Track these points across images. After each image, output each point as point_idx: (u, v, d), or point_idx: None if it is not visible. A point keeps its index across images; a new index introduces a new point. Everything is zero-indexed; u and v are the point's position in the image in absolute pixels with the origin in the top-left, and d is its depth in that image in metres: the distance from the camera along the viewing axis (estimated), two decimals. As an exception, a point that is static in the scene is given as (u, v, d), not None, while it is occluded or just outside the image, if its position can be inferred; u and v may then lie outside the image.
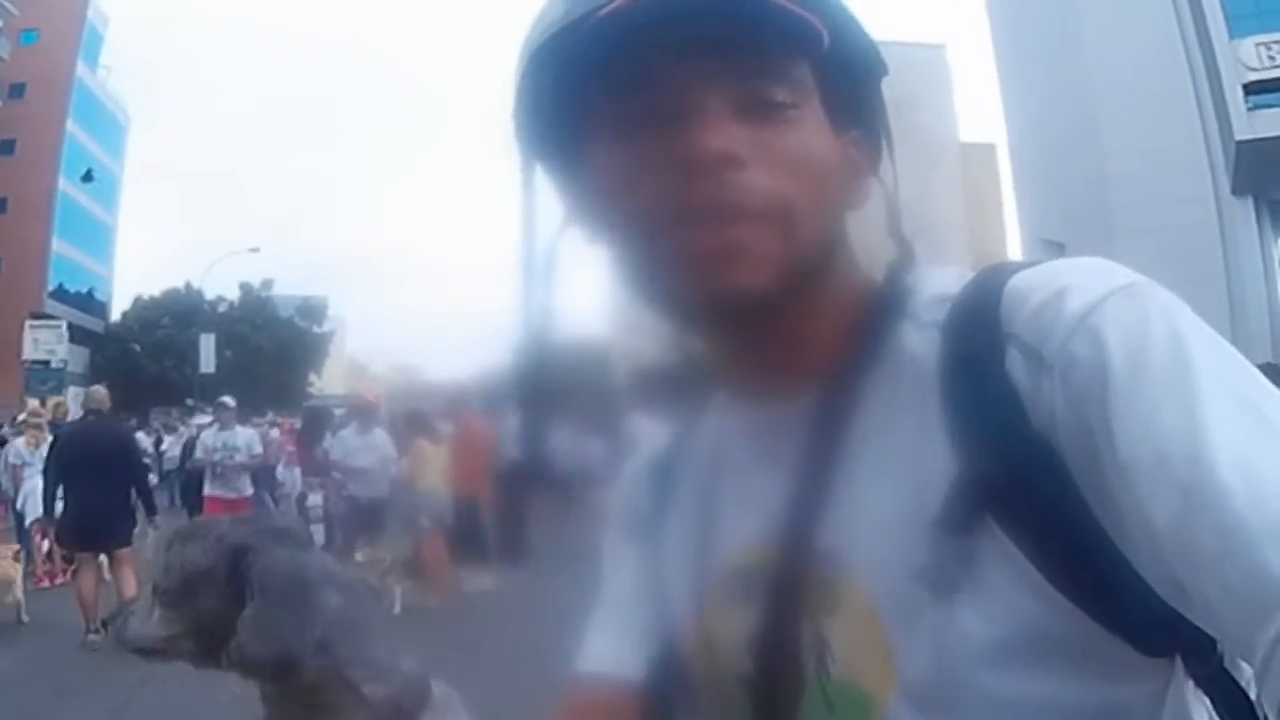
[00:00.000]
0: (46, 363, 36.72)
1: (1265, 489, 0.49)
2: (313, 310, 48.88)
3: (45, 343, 37.13)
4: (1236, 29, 26.35)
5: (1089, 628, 0.58)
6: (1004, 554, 0.59)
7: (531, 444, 0.78)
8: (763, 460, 0.72)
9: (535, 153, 0.72)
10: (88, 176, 44.74)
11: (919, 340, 0.66)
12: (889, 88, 0.73)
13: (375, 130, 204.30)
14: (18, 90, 42.27)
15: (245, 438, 9.89)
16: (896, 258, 0.72)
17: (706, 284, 0.63)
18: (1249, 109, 26.01)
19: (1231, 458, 0.51)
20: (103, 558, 7.58)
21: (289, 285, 59.04)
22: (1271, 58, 25.97)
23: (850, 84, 0.70)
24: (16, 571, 8.04)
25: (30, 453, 9.76)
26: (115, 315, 47.01)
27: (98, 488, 7.24)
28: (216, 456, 9.58)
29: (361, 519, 9.45)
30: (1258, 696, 0.56)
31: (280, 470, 12.76)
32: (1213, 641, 0.58)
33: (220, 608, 1.05)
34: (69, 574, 8.56)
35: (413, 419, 10.02)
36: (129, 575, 7.37)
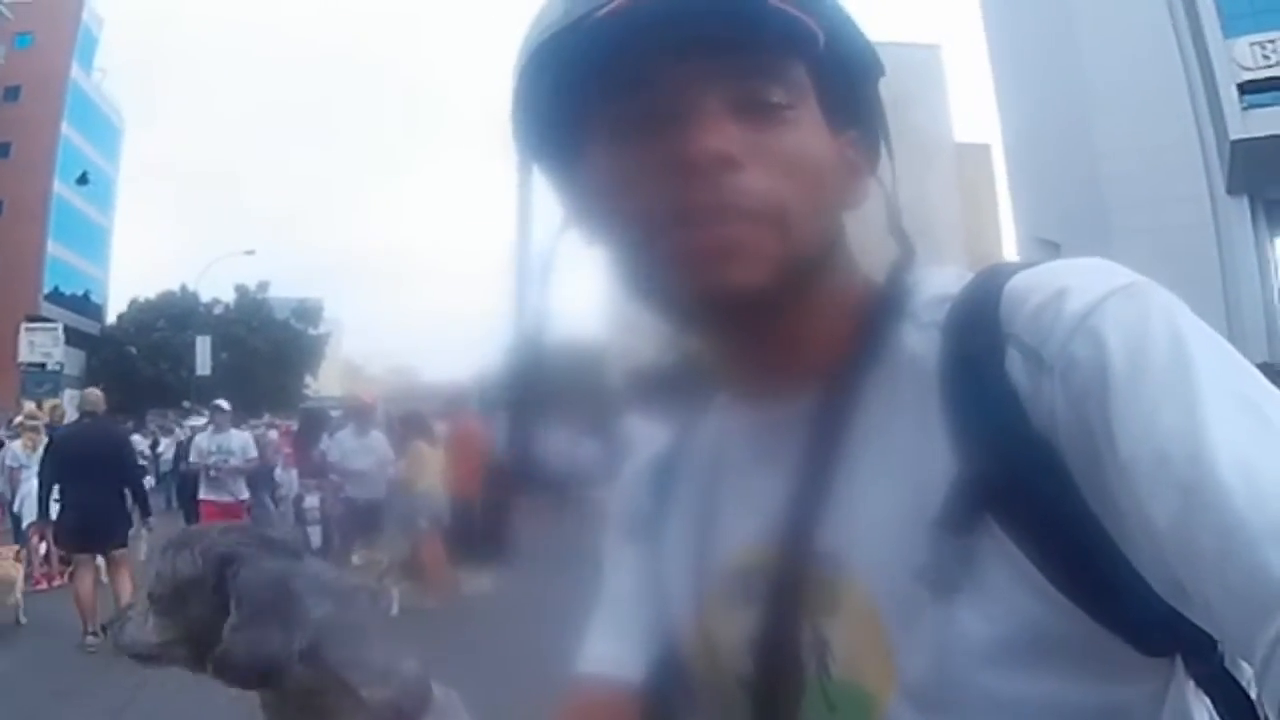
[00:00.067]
0: (42, 365, 36.71)
1: (1265, 489, 0.49)
2: (309, 312, 48.75)
3: (41, 345, 37.12)
4: (1231, 28, 26.39)
5: (1089, 627, 0.58)
6: (1004, 554, 0.59)
7: (518, 444, 0.78)
8: (763, 460, 0.71)
9: (533, 153, 0.72)
10: (83, 179, 44.66)
11: (919, 340, 0.66)
12: (884, 88, 0.73)
13: (371, 132, 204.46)
14: (12, 93, 42.25)
15: (240, 441, 9.77)
16: (899, 256, 0.72)
17: (703, 281, 0.63)
18: (1244, 108, 26.05)
19: (1232, 458, 0.51)
20: (100, 559, 7.58)
21: (285, 287, 59.26)
22: (1266, 57, 26.02)
23: (847, 84, 0.70)
24: (18, 572, 8.04)
25: (27, 455, 9.75)
26: (111, 318, 46.93)
27: (93, 489, 7.26)
28: (211, 460, 9.47)
29: (359, 521, 9.43)
30: (1258, 696, 0.56)
31: (279, 472, 12.76)
32: (1213, 641, 0.58)
33: (208, 616, 1.06)
34: (66, 576, 8.56)
35: (410, 420, 10.02)
36: (126, 577, 7.39)
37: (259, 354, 42.48)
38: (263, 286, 45.98)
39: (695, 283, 0.63)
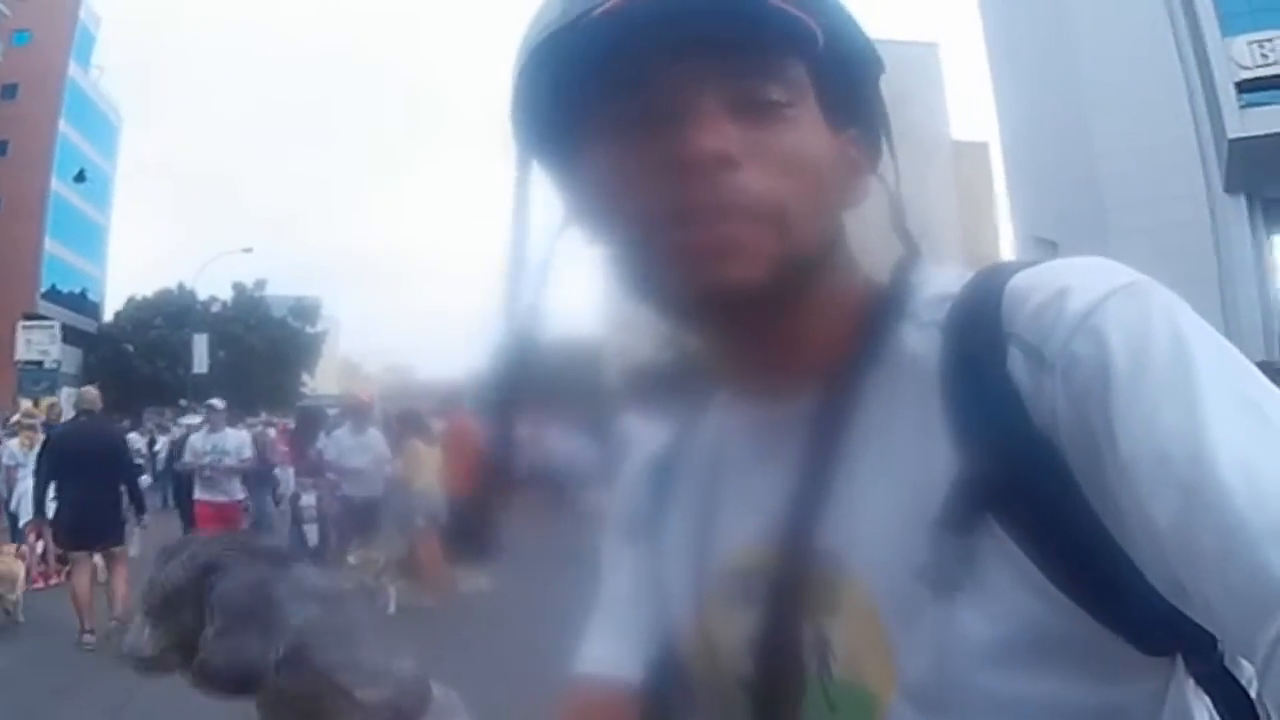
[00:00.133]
0: (39, 363, 36.66)
1: (1266, 489, 0.49)
2: (306, 310, 48.74)
3: (38, 343, 37.05)
4: (1229, 27, 26.40)
5: (1090, 627, 0.58)
6: (1005, 553, 0.58)
7: (500, 443, 0.78)
8: (762, 460, 0.71)
9: (532, 152, 0.72)
10: (80, 177, 44.64)
11: (919, 340, 0.66)
12: (882, 86, 0.73)
13: (369, 130, 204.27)
14: (10, 91, 42.13)
15: (235, 440, 9.59)
16: (903, 254, 0.72)
17: (702, 279, 0.62)
18: (1241, 107, 26.05)
19: (1233, 457, 0.51)
20: (97, 557, 7.57)
21: (282, 285, 59.16)
22: (1264, 55, 26.02)
23: (846, 82, 0.69)
24: (20, 569, 8.04)
25: (24, 454, 9.75)
26: (108, 316, 46.83)
27: (90, 488, 7.27)
28: (206, 460, 9.29)
29: (356, 519, 9.41)
30: (1258, 696, 0.57)
31: (277, 471, 12.74)
32: (1213, 640, 0.58)
33: (195, 625, 1.06)
34: (63, 574, 8.55)
35: (406, 419, 10.01)
36: (122, 575, 7.38)
37: (256, 352, 42.45)
38: (260, 285, 45.93)
39: (694, 281, 0.63)
